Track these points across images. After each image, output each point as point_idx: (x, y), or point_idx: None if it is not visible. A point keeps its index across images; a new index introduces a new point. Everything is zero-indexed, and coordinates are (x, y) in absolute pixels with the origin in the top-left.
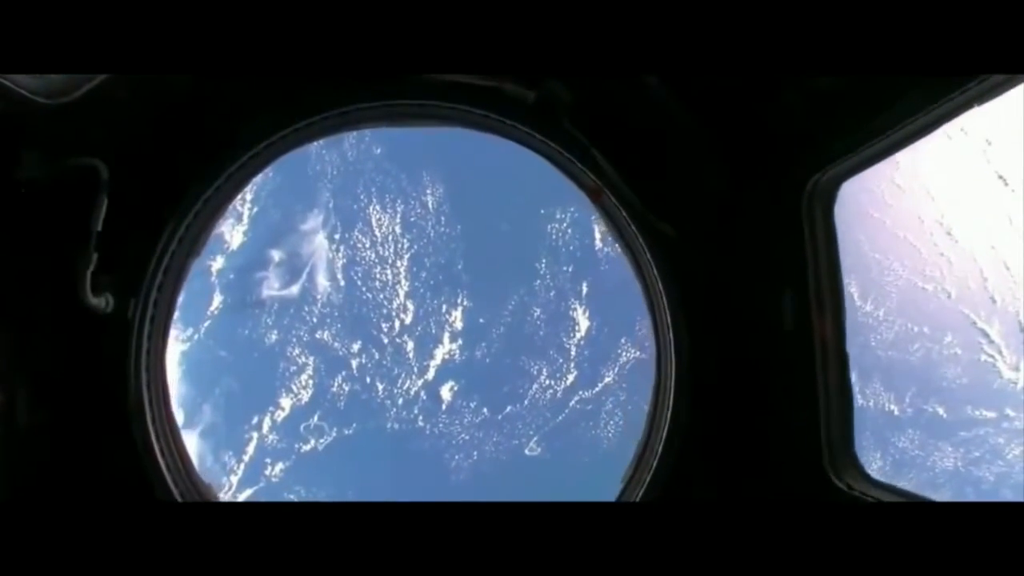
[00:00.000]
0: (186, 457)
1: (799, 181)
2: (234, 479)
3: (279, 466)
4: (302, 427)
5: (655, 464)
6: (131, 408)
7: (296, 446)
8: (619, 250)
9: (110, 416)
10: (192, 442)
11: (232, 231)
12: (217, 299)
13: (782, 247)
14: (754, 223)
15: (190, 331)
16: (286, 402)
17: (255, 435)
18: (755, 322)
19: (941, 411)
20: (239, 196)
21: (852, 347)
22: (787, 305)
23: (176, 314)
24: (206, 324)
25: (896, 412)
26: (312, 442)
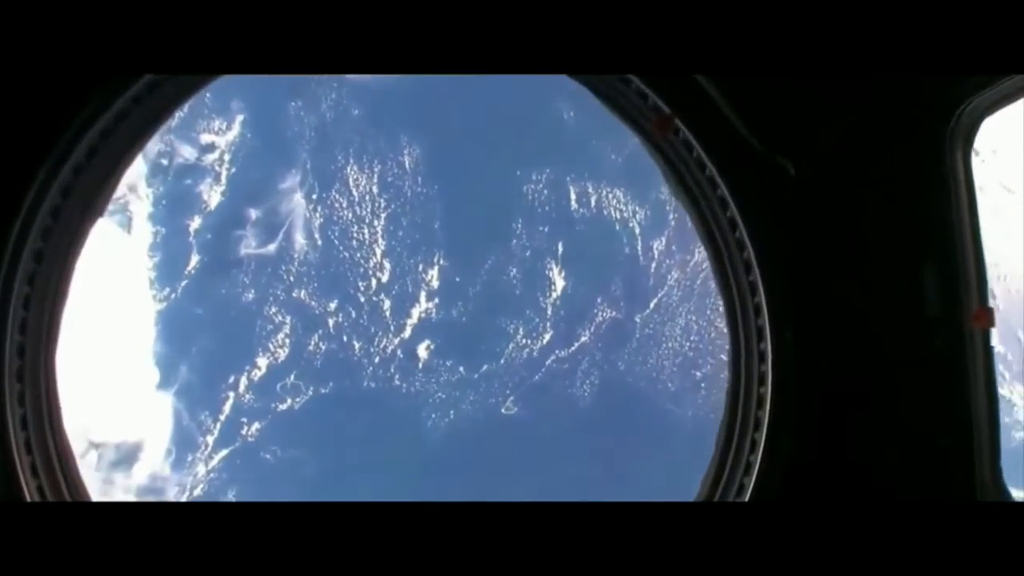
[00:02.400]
0: (83, 495)
1: (942, 114)
2: (210, 439)
3: (255, 425)
4: (279, 386)
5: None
6: None
7: (273, 405)
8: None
9: None
10: (168, 402)
11: (210, 191)
12: (195, 259)
13: (922, 201)
14: (887, 167)
15: (167, 291)
16: (263, 361)
17: (231, 394)
18: (888, 306)
19: None
20: (165, 130)
21: None
22: (930, 283)
23: (74, 282)
24: (183, 284)
25: None
26: (289, 401)
